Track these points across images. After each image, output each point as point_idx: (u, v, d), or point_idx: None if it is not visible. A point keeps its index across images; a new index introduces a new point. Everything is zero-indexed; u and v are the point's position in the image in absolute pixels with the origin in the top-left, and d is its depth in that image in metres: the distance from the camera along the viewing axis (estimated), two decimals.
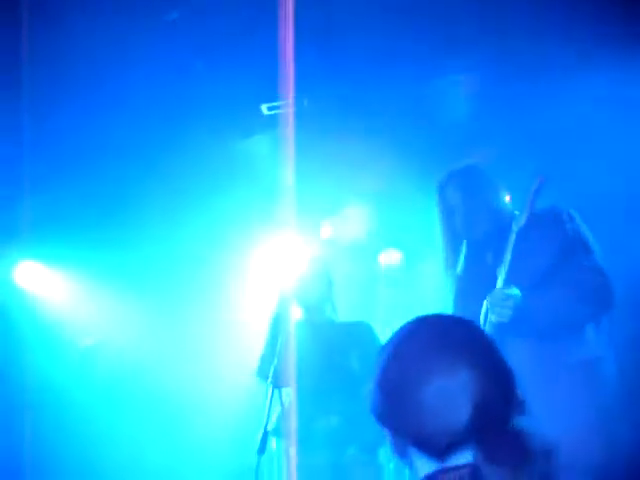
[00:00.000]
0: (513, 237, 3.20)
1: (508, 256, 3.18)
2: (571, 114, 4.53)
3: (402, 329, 1.60)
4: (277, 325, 3.95)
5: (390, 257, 5.68)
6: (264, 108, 5.14)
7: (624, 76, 4.37)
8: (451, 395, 1.47)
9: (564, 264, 3.19)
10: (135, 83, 4.80)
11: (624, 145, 4.39)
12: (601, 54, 4.33)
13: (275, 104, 5.06)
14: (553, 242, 3.22)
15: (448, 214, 3.48)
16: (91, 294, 6.14)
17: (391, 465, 4.15)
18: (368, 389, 1.59)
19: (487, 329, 3.11)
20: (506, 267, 3.17)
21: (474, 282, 3.41)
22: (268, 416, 3.51)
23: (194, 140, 5.30)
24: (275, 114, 5.14)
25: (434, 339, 1.54)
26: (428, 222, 3.67)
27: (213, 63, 4.75)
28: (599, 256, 3.25)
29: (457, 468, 1.48)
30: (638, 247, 3.95)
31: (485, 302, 3.19)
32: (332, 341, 4.13)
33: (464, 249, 3.53)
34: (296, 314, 4.21)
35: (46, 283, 6.14)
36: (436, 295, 3.92)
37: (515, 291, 3.14)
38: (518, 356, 3.00)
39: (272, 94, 4.95)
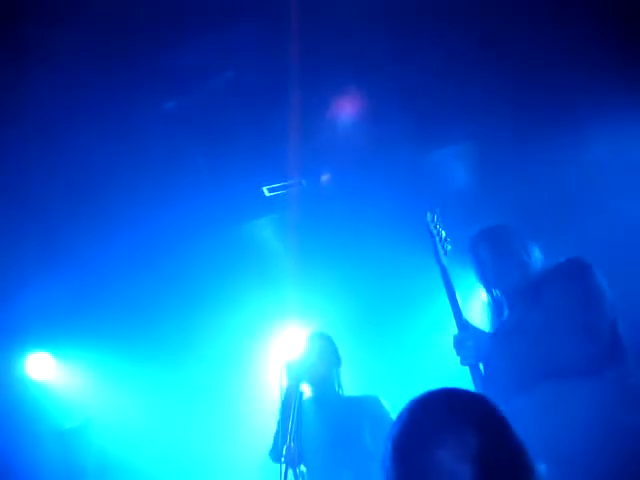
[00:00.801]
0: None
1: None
2: (572, 174, 4.63)
3: (413, 403, 1.76)
4: (287, 404, 3.97)
5: None
6: (265, 190, 5.26)
7: (622, 137, 4.50)
8: (460, 462, 1.53)
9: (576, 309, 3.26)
10: (139, 179, 4.93)
11: (625, 203, 4.48)
12: (601, 115, 4.46)
13: (276, 185, 5.18)
14: (571, 291, 3.30)
15: (481, 269, 3.59)
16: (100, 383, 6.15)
17: None
18: (380, 459, 1.67)
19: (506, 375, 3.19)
20: (458, 309, 3.32)
21: (505, 334, 3.48)
22: None
23: (200, 231, 5.42)
24: (276, 195, 5.25)
25: (444, 412, 1.69)
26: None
27: (213, 150, 4.88)
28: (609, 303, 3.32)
29: None
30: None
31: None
32: (342, 416, 4.15)
33: (495, 301, 3.63)
34: (305, 391, 4.22)
35: (55, 373, 6.16)
36: None
37: (473, 333, 3.27)
38: (545, 397, 3.10)
39: (272, 176, 5.08)
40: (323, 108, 4.58)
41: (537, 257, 3.62)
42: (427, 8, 4.03)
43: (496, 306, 3.67)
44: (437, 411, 1.71)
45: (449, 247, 3.57)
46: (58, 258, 5.36)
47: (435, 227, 3.57)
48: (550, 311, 3.30)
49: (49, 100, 4.24)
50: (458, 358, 3.40)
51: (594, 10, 4.07)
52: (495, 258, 3.58)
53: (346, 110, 4.62)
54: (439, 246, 3.53)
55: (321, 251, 5.46)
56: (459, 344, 3.33)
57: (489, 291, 3.68)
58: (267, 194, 5.29)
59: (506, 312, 3.60)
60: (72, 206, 5.03)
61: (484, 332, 3.45)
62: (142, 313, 5.85)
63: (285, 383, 4.03)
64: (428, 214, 3.61)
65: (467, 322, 3.43)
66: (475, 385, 3.28)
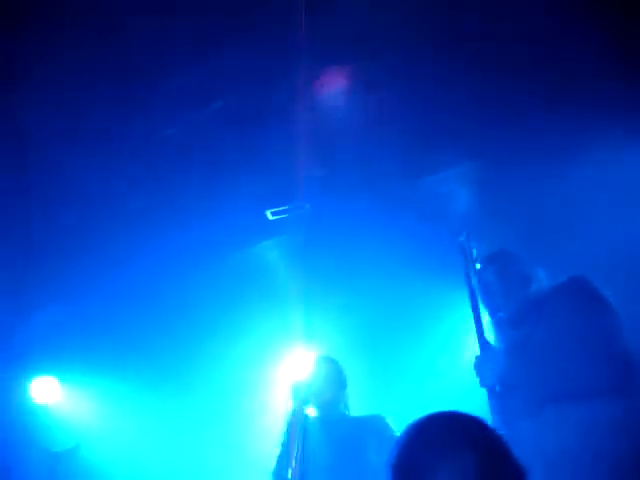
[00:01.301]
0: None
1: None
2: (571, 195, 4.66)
3: (412, 426, 1.81)
4: (293, 426, 3.98)
5: None
6: (269, 214, 5.30)
7: (619, 157, 4.52)
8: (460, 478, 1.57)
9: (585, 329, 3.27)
10: (144, 207, 4.97)
11: (621, 224, 4.50)
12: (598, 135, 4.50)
13: (279, 209, 5.22)
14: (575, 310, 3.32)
15: (486, 292, 3.62)
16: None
17: None
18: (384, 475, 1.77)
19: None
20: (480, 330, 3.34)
21: (515, 354, 3.50)
22: None
23: (205, 257, 5.45)
24: (280, 219, 5.29)
25: (443, 436, 1.74)
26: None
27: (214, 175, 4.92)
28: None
29: None
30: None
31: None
32: (348, 437, 4.17)
33: (500, 324, 3.65)
34: (311, 414, 4.23)
35: (61, 397, 6.18)
36: None
37: (492, 355, 3.29)
38: (557, 419, 3.10)
39: (275, 200, 5.12)
40: (326, 130, 4.62)
41: (540, 278, 3.65)
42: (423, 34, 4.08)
43: (501, 328, 3.68)
44: (436, 434, 1.75)
45: (478, 266, 3.61)
46: (66, 284, 5.40)
47: (467, 248, 3.60)
48: (556, 331, 3.31)
49: (47, 123, 4.29)
50: (467, 379, 3.43)
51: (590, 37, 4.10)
52: (500, 280, 3.63)
53: (348, 131, 4.67)
54: (470, 267, 3.56)
55: (326, 274, 5.49)
56: (480, 365, 3.36)
57: (494, 314, 3.70)
58: (270, 217, 5.32)
59: (512, 333, 3.62)
60: (78, 233, 5.07)
61: (499, 353, 3.47)
62: (148, 339, 5.87)
63: (291, 406, 4.06)
64: (462, 235, 3.63)
65: (488, 343, 3.45)
66: (491, 406, 3.29)
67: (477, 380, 3.39)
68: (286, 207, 5.16)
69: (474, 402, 3.28)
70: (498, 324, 3.70)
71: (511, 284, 3.61)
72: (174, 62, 4.10)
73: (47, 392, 6.08)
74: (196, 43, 4.02)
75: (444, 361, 5.39)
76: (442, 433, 1.75)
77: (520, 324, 3.58)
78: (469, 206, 5.13)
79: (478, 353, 3.43)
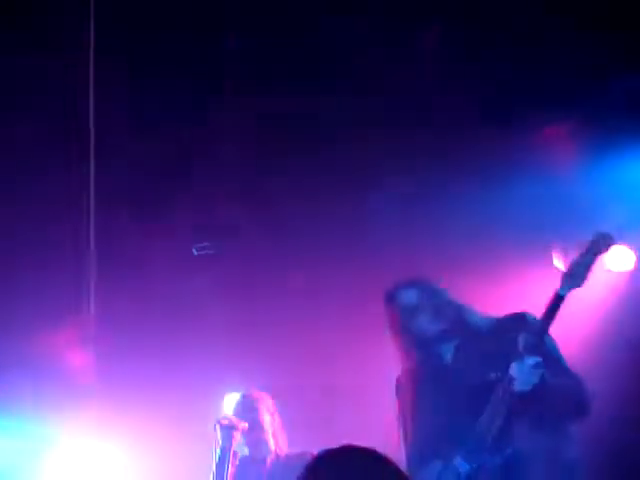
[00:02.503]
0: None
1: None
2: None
3: (320, 459, 1.88)
4: (221, 465, 3.93)
5: None
6: (194, 250, 5.28)
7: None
8: None
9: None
10: None
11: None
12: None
13: (203, 245, 5.21)
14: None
15: (407, 317, 3.54)
16: None
17: None
18: None
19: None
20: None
21: (433, 379, 3.47)
22: None
23: None
24: (205, 254, 5.27)
25: (348, 469, 1.81)
26: None
27: None
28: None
29: None
30: None
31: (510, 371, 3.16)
32: (277, 475, 4.13)
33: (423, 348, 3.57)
34: (241, 452, 4.19)
35: None
36: None
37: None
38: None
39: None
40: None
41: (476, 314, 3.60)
42: None
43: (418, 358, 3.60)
44: (338, 469, 1.74)
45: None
46: None
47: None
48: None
49: None
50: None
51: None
52: (423, 303, 3.51)
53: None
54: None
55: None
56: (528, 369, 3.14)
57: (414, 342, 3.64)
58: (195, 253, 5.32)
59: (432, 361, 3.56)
60: None
61: None
62: None
63: (219, 445, 4.00)
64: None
65: None
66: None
67: None
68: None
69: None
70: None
71: (431, 306, 3.53)
72: None
73: None
74: None
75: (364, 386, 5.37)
76: (342, 468, 1.79)
77: (442, 348, 3.55)
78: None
79: None
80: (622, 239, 4.85)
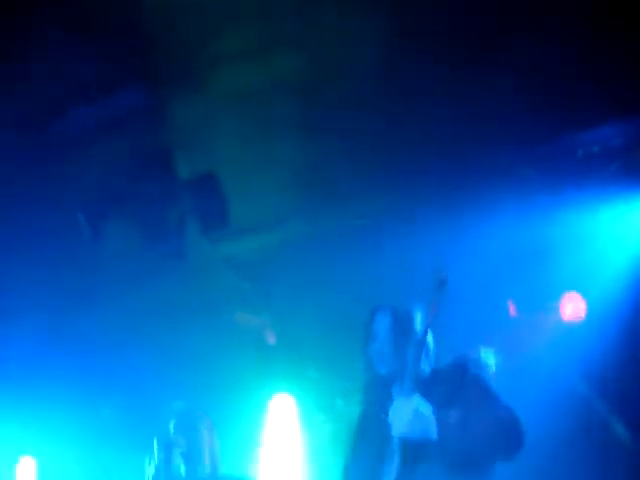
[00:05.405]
0: None
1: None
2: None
3: None
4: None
5: None
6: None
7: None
8: None
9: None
10: None
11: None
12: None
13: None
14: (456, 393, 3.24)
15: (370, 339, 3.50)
16: None
17: None
18: None
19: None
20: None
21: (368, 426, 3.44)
22: None
23: None
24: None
25: None
26: None
27: None
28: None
29: None
30: None
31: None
32: None
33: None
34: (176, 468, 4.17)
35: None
36: None
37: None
38: None
39: None
40: None
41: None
42: None
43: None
44: None
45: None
46: None
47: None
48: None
49: None
50: None
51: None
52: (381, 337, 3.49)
53: None
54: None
55: None
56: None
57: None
58: None
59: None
60: None
61: None
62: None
63: (155, 461, 3.99)
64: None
65: None
66: None
67: None
68: None
69: None
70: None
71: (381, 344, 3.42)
72: None
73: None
74: None
75: None
76: None
77: (391, 387, 3.51)
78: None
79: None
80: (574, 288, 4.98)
